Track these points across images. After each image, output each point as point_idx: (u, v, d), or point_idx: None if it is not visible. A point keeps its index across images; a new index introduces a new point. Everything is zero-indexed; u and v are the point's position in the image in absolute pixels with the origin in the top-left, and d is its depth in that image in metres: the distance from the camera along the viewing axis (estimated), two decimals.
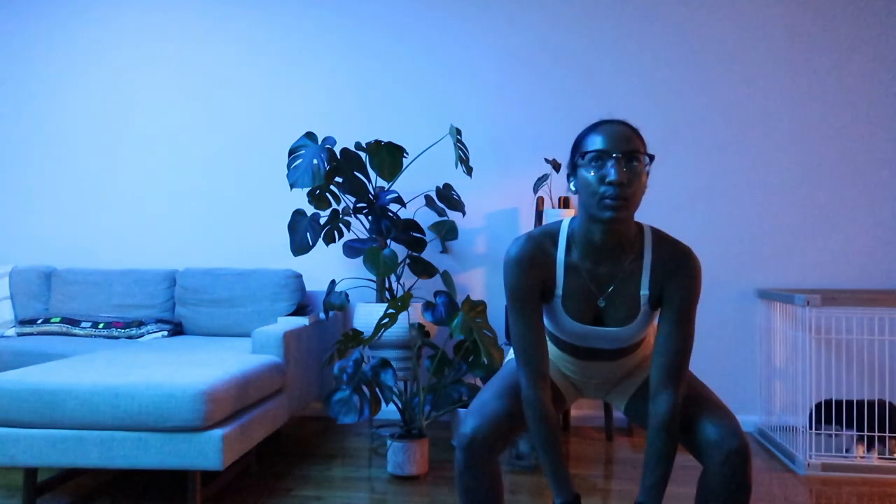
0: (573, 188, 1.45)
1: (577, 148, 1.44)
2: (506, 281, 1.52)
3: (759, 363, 3.50)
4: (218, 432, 2.17)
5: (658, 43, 3.59)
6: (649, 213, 3.57)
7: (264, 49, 3.83)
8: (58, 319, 3.44)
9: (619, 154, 1.35)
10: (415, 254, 3.39)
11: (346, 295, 3.16)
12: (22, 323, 3.46)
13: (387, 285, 3.30)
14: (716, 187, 3.55)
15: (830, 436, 2.97)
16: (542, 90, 3.65)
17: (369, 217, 3.25)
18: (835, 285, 3.48)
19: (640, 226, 1.51)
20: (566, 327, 1.56)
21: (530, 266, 1.49)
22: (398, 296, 3.07)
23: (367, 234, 3.65)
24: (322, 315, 3.45)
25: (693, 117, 3.57)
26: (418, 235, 3.36)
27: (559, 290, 1.51)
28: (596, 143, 1.38)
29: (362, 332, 2.91)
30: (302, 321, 3.12)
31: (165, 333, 3.37)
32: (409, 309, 3.13)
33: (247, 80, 3.84)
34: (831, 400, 3.02)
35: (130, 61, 3.92)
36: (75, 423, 2.18)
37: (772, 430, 3.30)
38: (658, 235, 1.51)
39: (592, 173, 1.38)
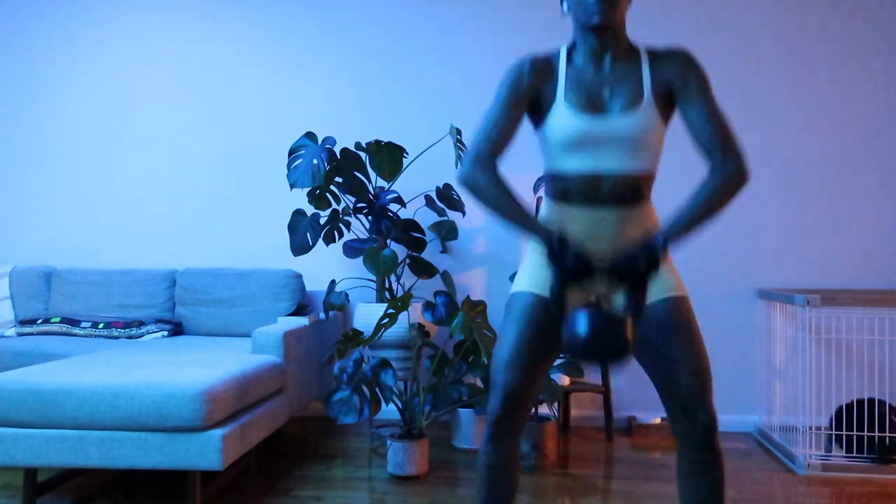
0: (566, 8, 1.54)
1: None
2: (500, 83, 1.56)
3: (759, 363, 3.50)
4: (218, 432, 2.17)
5: (658, 42, 3.59)
6: None
7: (264, 49, 3.83)
8: (58, 319, 3.44)
9: None
10: (415, 254, 3.39)
11: (346, 295, 3.16)
12: (22, 323, 3.46)
13: (387, 285, 3.30)
14: None
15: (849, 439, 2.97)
16: None
17: (369, 217, 3.25)
18: (835, 285, 3.48)
19: (632, 42, 1.59)
20: (568, 125, 1.51)
21: (532, 68, 1.55)
22: (398, 296, 3.08)
23: (367, 234, 3.65)
24: (322, 315, 3.45)
25: None
26: (418, 235, 3.36)
27: (560, 89, 1.54)
28: None
29: (362, 332, 2.91)
30: (302, 321, 3.12)
31: (165, 333, 3.37)
32: (409, 309, 3.13)
33: (247, 80, 3.84)
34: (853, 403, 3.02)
35: (130, 61, 3.92)
36: (75, 423, 2.18)
37: (772, 430, 3.30)
38: (649, 46, 1.60)
39: None
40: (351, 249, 3.26)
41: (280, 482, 2.65)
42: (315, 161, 3.09)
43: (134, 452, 2.16)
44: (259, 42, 3.83)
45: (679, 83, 1.52)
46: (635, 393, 3.57)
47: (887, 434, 2.88)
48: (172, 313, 3.57)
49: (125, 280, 3.57)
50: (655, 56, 1.55)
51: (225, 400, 2.25)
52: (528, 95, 1.55)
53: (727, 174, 1.46)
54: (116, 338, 3.34)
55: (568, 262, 1.40)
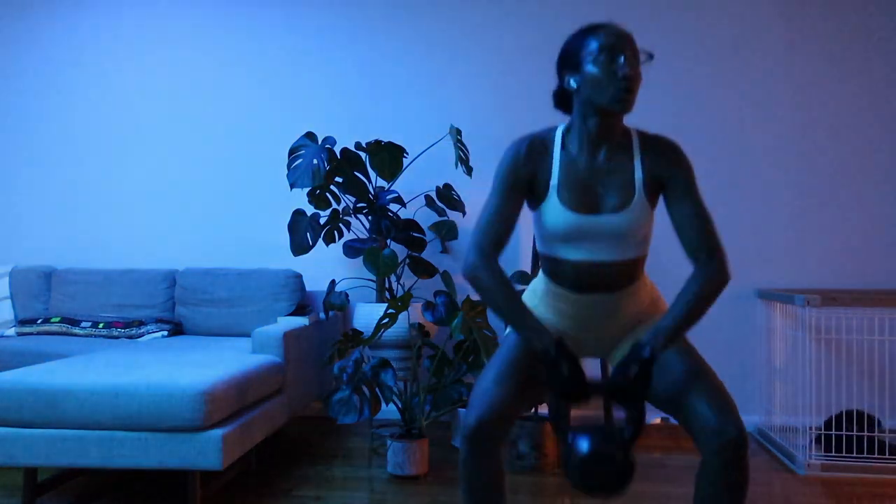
0: (573, 84, 1.52)
1: (579, 47, 1.51)
2: (498, 168, 1.58)
3: (759, 363, 3.50)
4: (218, 432, 2.17)
5: (658, 43, 3.59)
6: None
7: (264, 49, 3.83)
8: (58, 319, 3.44)
9: (629, 50, 1.46)
10: (415, 254, 3.39)
11: (346, 295, 3.16)
12: (22, 323, 3.46)
13: (387, 285, 3.30)
14: (716, 187, 3.55)
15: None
16: (541, 90, 3.65)
17: (369, 217, 3.25)
18: (835, 285, 3.48)
19: (625, 126, 1.60)
20: (560, 221, 1.53)
21: (528, 155, 1.56)
22: (398, 296, 3.08)
23: (367, 234, 3.65)
24: (322, 315, 3.45)
25: (693, 118, 3.57)
26: (418, 235, 3.36)
27: (554, 181, 1.55)
28: (607, 39, 1.47)
29: (362, 332, 2.91)
30: (302, 321, 3.12)
31: (165, 333, 3.37)
32: (409, 309, 3.13)
33: (247, 80, 3.84)
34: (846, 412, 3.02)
35: (130, 61, 3.92)
36: (75, 423, 2.18)
37: (772, 430, 3.30)
38: (640, 131, 1.59)
39: (603, 68, 1.46)
40: (351, 249, 3.26)
41: (280, 482, 2.65)
42: (315, 161, 3.09)
43: (134, 452, 2.16)
44: (259, 42, 3.83)
45: (667, 178, 1.54)
46: None
47: (866, 434, 2.88)
48: (172, 313, 3.57)
49: (125, 280, 3.57)
50: (646, 145, 1.56)
51: (225, 400, 2.25)
52: (525, 183, 1.57)
53: (710, 278, 1.49)
54: (116, 338, 3.34)
55: (563, 372, 1.41)
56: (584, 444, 1.36)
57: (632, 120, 3.57)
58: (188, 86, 3.88)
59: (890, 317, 3.34)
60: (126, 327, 3.38)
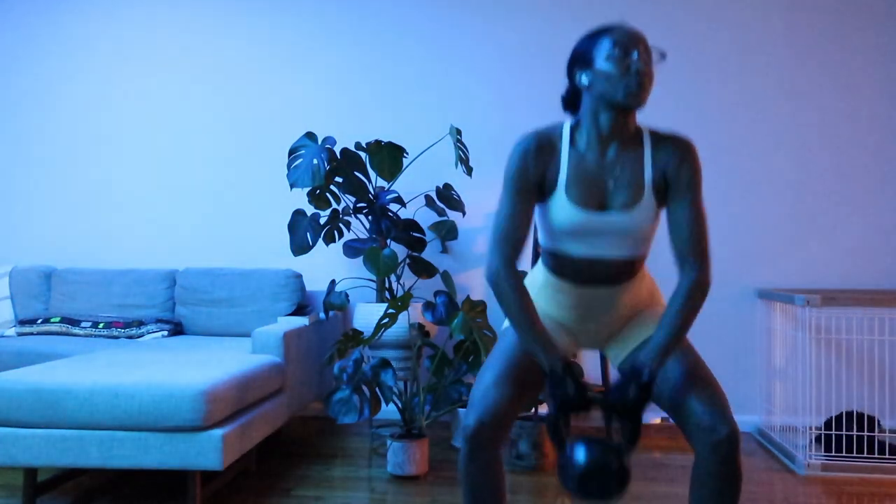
0: (585, 81, 1.52)
1: (592, 45, 1.52)
2: (508, 168, 1.56)
3: (759, 363, 3.50)
4: (218, 432, 2.17)
5: (659, 43, 3.59)
6: None
7: (264, 49, 3.83)
8: (58, 319, 3.44)
9: (642, 46, 1.48)
10: (415, 254, 3.39)
11: (346, 295, 3.16)
12: (22, 323, 3.46)
13: (387, 285, 3.30)
14: (716, 187, 3.55)
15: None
16: (541, 90, 3.65)
17: (369, 217, 3.25)
18: (835, 285, 3.48)
19: (637, 124, 1.59)
20: (568, 217, 1.53)
21: (537, 153, 1.55)
22: (398, 296, 3.08)
23: (367, 234, 3.65)
24: (322, 315, 3.45)
25: (693, 118, 3.57)
26: (418, 235, 3.36)
27: (563, 177, 1.54)
28: (619, 36, 1.48)
29: (362, 332, 2.91)
30: (302, 321, 3.12)
31: (165, 333, 3.37)
32: (409, 309, 3.13)
33: (247, 80, 3.84)
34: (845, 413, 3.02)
35: (130, 61, 3.92)
36: (75, 423, 2.18)
37: (772, 430, 3.30)
38: (653, 130, 1.59)
39: (616, 64, 1.47)
40: (351, 249, 3.26)
41: (280, 482, 2.65)
42: (315, 161, 3.09)
43: (134, 452, 2.16)
44: (259, 42, 3.83)
45: (673, 176, 1.54)
46: None
47: (866, 434, 2.88)
48: (172, 313, 3.57)
49: (125, 280, 3.57)
50: (658, 142, 1.56)
51: (225, 400, 2.25)
52: (534, 183, 1.56)
53: (698, 287, 1.52)
54: (116, 338, 3.34)
55: (568, 390, 1.44)
56: (581, 455, 1.39)
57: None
58: (188, 86, 3.88)
59: (890, 317, 3.34)
60: (126, 327, 3.38)
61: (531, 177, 1.55)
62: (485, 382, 1.55)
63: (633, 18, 3.59)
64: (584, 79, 1.52)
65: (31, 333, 3.41)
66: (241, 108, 3.84)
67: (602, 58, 1.48)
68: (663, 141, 1.56)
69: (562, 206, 1.54)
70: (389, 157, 3.20)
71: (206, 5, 3.87)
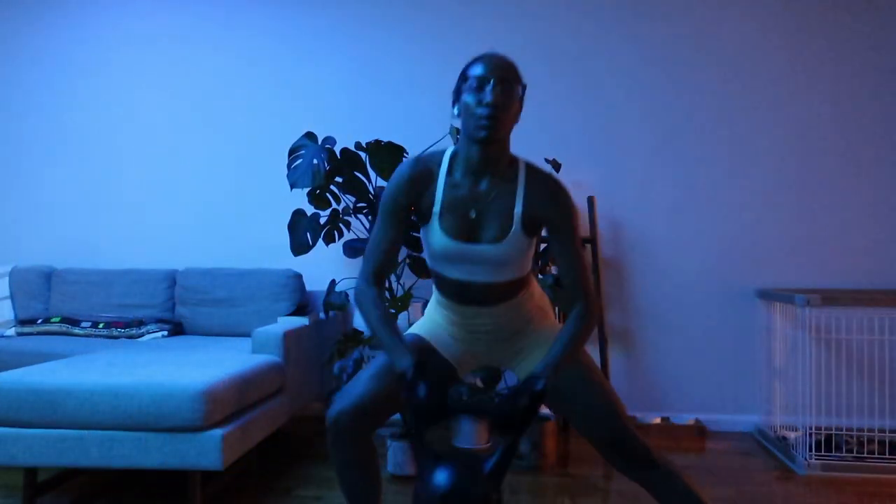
0: (456, 113, 1.55)
1: (462, 78, 1.55)
2: (384, 194, 1.62)
3: (759, 363, 3.50)
4: (218, 432, 2.17)
5: (658, 44, 3.59)
6: (650, 212, 3.57)
7: (264, 49, 3.82)
8: (58, 319, 3.44)
9: (496, 79, 1.48)
10: (415, 254, 3.39)
11: (346, 295, 3.16)
12: (22, 323, 3.45)
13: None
14: (716, 187, 3.55)
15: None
16: (541, 90, 3.65)
17: (369, 217, 3.25)
18: (835, 285, 3.48)
19: (514, 156, 1.61)
20: (441, 245, 1.58)
21: (410, 182, 1.59)
22: (398, 296, 3.08)
23: (367, 233, 3.65)
24: (322, 315, 3.45)
25: (693, 118, 3.57)
26: (418, 235, 3.36)
27: (437, 207, 1.58)
28: (477, 69, 1.50)
29: (362, 332, 2.91)
30: (302, 321, 3.12)
31: (165, 333, 3.37)
32: (409, 309, 3.13)
33: (247, 81, 3.84)
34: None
35: (130, 62, 3.91)
36: (75, 423, 2.18)
37: (772, 430, 3.30)
38: (530, 165, 1.61)
39: (472, 97, 1.49)
40: (351, 249, 3.26)
41: (280, 482, 2.65)
42: (315, 161, 3.09)
43: (134, 452, 2.16)
44: (259, 42, 3.83)
45: (548, 220, 1.58)
46: (634, 393, 3.57)
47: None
48: (172, 313, 3.56)
49: (125, 280, 3.57)
50: (532, 181, 1.57)
51: (225, 400, 2.25)
52: (405, 209, 1.62)
53: (583, 321, 1.59)
54: (116, 338, 3.34)
55: (419, 394, 1.44)
56: (441, 478, 1.27)
57: (630, 122, 3.58)
58: (189, 86, 3.87)
59: (890, 317, 3.34)
60: (126, 327, 3.38)
61: (401, 204, 1.60)
62: (356, 378, 1.64)
63: (629, 17, 3.59)
64: (455, 110, 1.56)
65: (31, 333, 3.41)
66: (241, 108, 3.84)
67: (465, 90, 1.51)
68: (537, 180, 1.58)
69: (435, 233, 1.59)
70: (389, 157, 3.20)
71: (207, 6, 3.87)
